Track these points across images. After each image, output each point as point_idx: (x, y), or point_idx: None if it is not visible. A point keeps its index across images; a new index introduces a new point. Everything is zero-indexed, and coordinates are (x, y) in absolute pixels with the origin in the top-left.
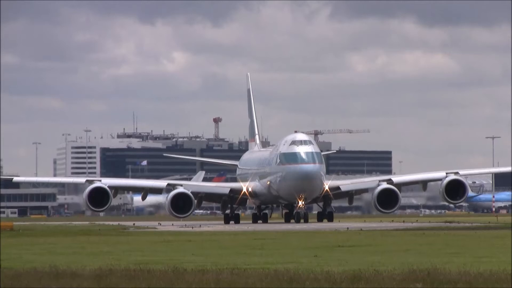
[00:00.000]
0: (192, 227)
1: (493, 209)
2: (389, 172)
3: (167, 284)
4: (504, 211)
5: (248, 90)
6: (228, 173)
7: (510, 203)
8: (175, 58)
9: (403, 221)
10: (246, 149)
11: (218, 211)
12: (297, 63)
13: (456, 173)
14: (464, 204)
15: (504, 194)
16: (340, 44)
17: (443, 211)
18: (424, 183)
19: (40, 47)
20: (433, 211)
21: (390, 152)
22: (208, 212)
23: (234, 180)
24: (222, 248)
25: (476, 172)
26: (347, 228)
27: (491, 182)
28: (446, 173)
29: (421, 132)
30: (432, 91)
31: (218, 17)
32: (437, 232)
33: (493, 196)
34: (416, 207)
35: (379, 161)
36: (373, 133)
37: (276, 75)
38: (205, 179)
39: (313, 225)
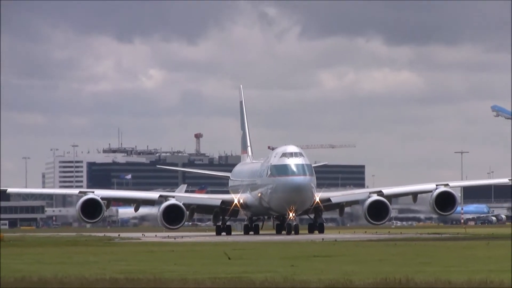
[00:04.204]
0: (175, 238)
1: (462, 221)
2: (363, 186)
3: None
4: (472, 223)
5: (241, 103)
6: (208, 186)
7: (478, 215)
8: (153, 76)
9: (376, 232)
10: (226, 164)
11: (199, 223)
12: (270, 80)
13: (446, 185)
14: (434, 216)
15: (472, 207)
16: (310, 61)
17: (413, 223)
18: (414, 195)
19: (21, 65)
20: (404, 222)
21: (363, 166)
22: (190, 223)
23: (214, 193)
24: (203, 258)
25: (466, 184)
26: (322, 239)
27: (460, 195)
28: (436, 185)
29: (392, 147)
30: (400, 107)
31: (193, 36)
32: (409, 243)
33: (462, 209)
34: (388, 219)
35: (353, 175)
36: (346, 148)
37: (250, 92)
38: (187, 192)
39: (290, 237)
